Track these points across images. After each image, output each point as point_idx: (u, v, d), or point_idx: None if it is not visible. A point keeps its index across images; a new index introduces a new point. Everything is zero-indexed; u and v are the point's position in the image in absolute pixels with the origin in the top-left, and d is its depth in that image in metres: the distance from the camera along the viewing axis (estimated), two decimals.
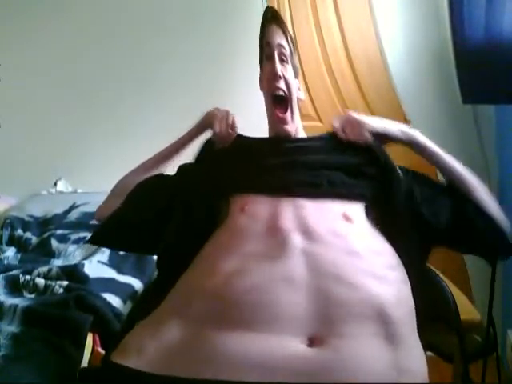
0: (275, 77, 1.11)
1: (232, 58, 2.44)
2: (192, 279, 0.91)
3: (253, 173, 1.06)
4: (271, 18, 1.15)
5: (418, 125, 2.21)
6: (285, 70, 1.12)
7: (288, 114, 1.13)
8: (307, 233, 0.91)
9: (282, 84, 1.12)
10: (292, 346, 0.76)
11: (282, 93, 1.12)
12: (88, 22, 2.56)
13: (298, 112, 1.18)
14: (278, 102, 1.14)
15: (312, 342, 0.77)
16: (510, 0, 1.50)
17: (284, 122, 1.14)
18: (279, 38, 1.13)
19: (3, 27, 2.56)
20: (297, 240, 0.88)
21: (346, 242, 0.90)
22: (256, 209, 0.97)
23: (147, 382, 0.75)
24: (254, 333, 0.77)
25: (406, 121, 2.31)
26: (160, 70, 2.52)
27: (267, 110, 1.18)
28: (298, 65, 1.18)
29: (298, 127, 1.18)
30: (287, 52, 1.13)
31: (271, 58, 1.12)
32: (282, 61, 1.12)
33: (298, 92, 1.17)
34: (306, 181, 1.02)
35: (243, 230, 0.93)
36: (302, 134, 1.20)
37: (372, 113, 2.46)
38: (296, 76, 1.17)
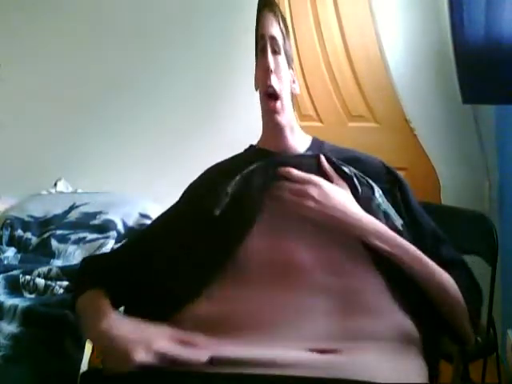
0: (267, 72, 1.09)
1: (232, 67, 2.43)
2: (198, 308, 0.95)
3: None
4: (264, 4, 1.12)
5: (417, 125, 2.21)
6: (277, 64, 1.10)
7: (278, 103, 1.10)
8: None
9: (273, 81, 1.09)
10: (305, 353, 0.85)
11: (272, 90, 1.10)
12: (89, 25, 2.56)
13: (292, 108, 1.15)
14: (269, 96, 1.11)
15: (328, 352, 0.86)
16: (510, 0, 1.50)
17: (275, 110, 1.10)
18: (272, 28, 1.09)
19: (4, 26, 2.56)
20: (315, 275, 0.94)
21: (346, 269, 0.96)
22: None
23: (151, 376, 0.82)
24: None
25: (405, 121, 2.31)
26: (160, 73, 2.51)
27: (261, 108, 1.15)
28: (291, 52, 1.14)
29: (292, 125, 1.14)
30: (280, 42, 1.10)
31: (264, 51, 1.10)
32: (274, 52, 1.10)
33: (291, 85, 1.15)
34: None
35: (249, 260, 0.97)
36: (296, 133, 1.16)
37: (372, 113, 2.46)
38: (289, 65, 1.14)
